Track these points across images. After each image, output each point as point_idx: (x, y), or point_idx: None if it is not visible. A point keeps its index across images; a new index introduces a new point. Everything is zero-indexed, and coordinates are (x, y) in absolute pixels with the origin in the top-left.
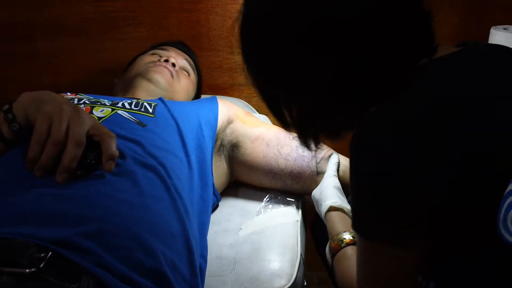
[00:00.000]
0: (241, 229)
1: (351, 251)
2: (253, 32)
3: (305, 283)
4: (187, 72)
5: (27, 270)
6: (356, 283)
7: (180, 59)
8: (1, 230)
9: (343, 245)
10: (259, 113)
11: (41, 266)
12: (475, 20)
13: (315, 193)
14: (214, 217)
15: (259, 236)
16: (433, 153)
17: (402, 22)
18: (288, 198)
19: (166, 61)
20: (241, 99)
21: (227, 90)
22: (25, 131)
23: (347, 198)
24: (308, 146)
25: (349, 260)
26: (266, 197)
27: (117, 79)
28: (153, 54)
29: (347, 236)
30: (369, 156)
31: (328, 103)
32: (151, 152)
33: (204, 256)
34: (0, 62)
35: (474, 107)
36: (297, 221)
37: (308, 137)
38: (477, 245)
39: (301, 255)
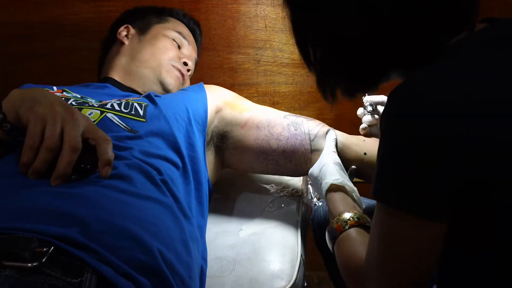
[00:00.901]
0: (241, 229)
1: (355, 233)
2: None
3: (305, 284)
4: (191, 72)
5: (29, 264)
6: (364, 260)
7: (193, 59)
8: (1, 225)
9: (347, 226)
10: None
11: (43, 260)
12: None
13: (314, 170)
14: (215, 218)
15: (259, 236)
16: (472, 125)
17: None
18: (288, 199)
19: (185, 63)
20: None
21: None
22: (17, 131)
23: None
24: (325, 96)
25: (354, 240)
26: (267, 198)
27: (128, 34)
28: (174, 39)
29: (351, 217)
30: (408, 119)
31: (352, 55)
32: (144, 160)
33: (204, 258)
34: (0, 62)
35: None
36: (297, 221)
37: (326, 86)
38: (477, 245)
39: (301, 255)
